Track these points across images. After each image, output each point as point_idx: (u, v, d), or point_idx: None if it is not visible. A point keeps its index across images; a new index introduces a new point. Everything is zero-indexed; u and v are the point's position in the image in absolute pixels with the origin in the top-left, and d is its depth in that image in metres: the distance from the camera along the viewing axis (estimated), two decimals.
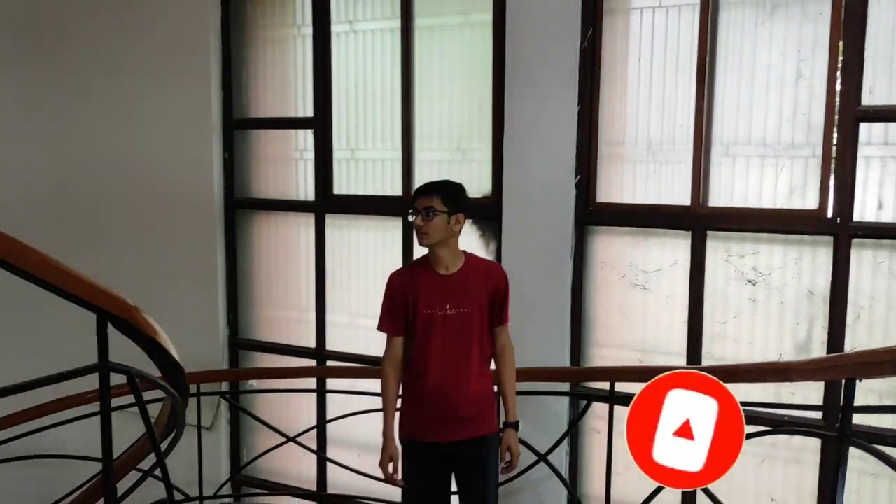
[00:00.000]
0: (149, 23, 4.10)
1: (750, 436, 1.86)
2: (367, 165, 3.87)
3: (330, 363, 3.98)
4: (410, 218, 2.67)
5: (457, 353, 2.69)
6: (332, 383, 3.93)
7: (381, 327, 2.79)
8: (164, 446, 2.07)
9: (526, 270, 3.29)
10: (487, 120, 3.49)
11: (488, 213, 3.49)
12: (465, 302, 2.67)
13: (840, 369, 1.99)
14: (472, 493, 2.78)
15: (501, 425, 2.76)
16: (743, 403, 1.82)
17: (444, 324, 2.68)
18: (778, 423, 2.96)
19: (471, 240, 3.56)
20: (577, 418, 3.25)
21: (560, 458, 3.32)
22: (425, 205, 2.62)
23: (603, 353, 3.39)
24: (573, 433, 3.37)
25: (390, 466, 2.71)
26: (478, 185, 3.55)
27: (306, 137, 3.96)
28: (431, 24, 3.62)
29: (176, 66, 4.05)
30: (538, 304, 3.32)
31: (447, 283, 2.69)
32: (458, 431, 2.71)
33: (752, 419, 2.20)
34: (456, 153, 3.64)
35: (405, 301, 2.72)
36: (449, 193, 2.65)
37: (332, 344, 4.00)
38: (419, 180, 3.65)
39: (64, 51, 4.35)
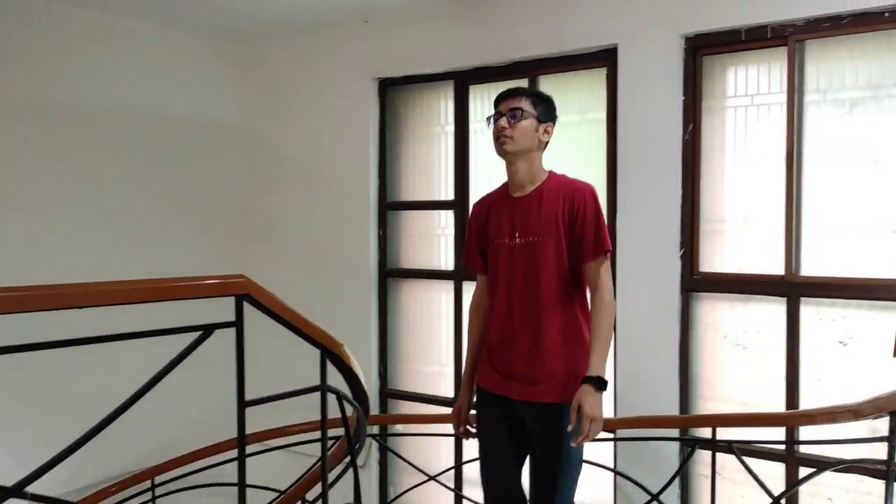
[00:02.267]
0: (326, 124, 5.02)
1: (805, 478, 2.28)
2: None
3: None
4: (491, 124, 2.38)
5: (527, 294, 2.31)
6: None
7: (464, 264, 2.62)
8: (346, 459, 2.73)
9: (639, 332, 3.80)
10: (603, 200, 4.07)
11: None
12: (535, 228, 2.30)
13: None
14: (534, 474, 2.37)
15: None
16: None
17: (512, 256, 2.34)
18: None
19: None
20: (684, 461, 3.66)
21: (673, 500, 3.73)
22: (512, 105, 2.35)
23: (709, 406, 3.80)
24: (683, 476, 3.78)
25: (460, 420, 2.54)
26: None
27: (447, 217, 4.68)
28: None
29: (345, 158, 4.92)
30: (650, 361, 3.80)
31: (519, 205, 2.38)
32: (524, 391, 2.35)
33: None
34: None
35: (480, 230, 2.49)
36: (540, 98, 2.41)
37: None
38: None
39: (271, 147, 5.35)
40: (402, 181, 4.90)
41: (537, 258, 2.29)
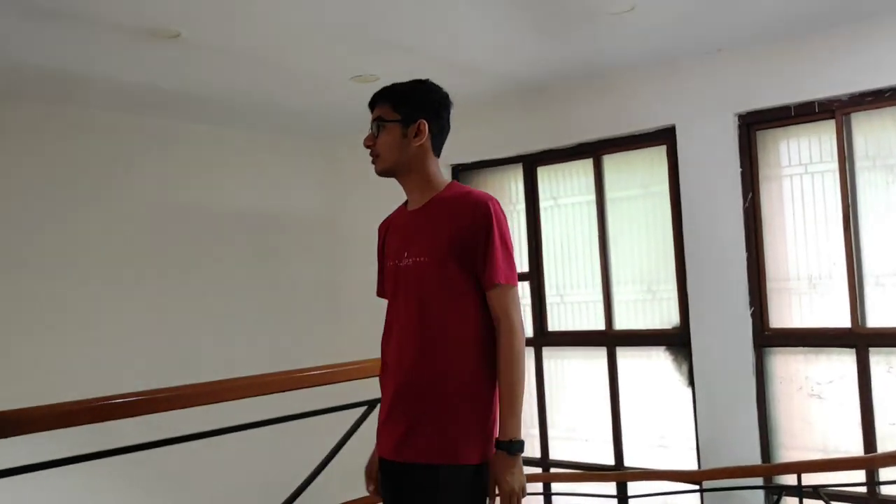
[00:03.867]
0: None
1: None
2: (574, 307, 4.87)
3: (553, 470, 4.84)
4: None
5: (409, 324, 1.88)
6: (555, 487, 4.78)
7: (377, 292, 2.13)
8: None
9: (717, 387, 4.08)
10: (671, 266, 4.40)
11: (679, 341, 4.33)
12: (421, 247, 1.88)
13: None
14: None
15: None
16: None
17: (397, 280, 1.93)
18: None
19: (664, 364, 4.40)
20: None
21: None
22: (374, 116, 1.96)
23: (789, 454, 4.03)
24: None
25: (368, 478, 2.06)
26: (668, 318, 4.43)
27: (524, 288, 5.04)
28: (619, 195, 4.66)
29: None
30: (730, 413, 4.06)
31: (410, 221, 1.98)
32: (398, 447, 1.86)
33: None
34: (647, 294, 4.56)
35: (380, 251, 2.10)
36: (401, 95, 1.94)
37: (553, 454, 4.88)
38: (618, 317, 4.61)
39: (354, 233, 5.81)
40: None
41: (425, 280, 1.85)
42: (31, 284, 4.24)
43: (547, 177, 4.95)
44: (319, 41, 3.73)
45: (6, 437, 1.64)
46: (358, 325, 5.68)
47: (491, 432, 1.86)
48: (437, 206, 1.92)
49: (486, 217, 1.84)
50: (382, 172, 1.99)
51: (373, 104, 2.00)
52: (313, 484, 2.39)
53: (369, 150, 1.98)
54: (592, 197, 4.72)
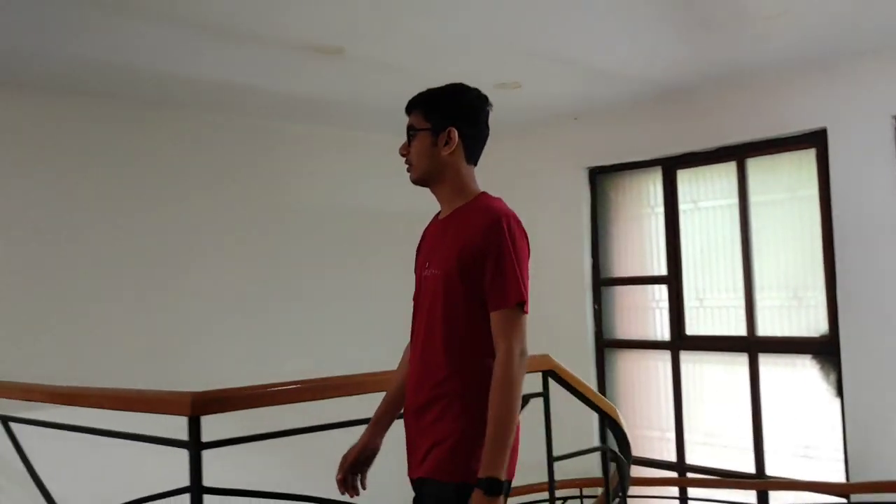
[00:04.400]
0: (541, 210, 5.58)
1: None
2: (714, 311, 4.82)
3: (690, 475, 4.82)
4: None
5: (418, 338, 1.86)
6: (692, 492, 4.75)
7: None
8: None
9: (869, 397, 3.95)
10: (819, 272, 4.28)
11: (827, 350, 4.21)
12: (437, 259, 1.84)
13: None
14: None
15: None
16: None
17: (422, 290, 1.91)
18: None
19: (810, 373, 4.29)
20: None
21: None
22: (408, 125, 1.91)
23: None
24: None
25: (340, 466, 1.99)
26: (815, 325, 4.31)
27: (661, 290, 5.04)
28: (764, 199, 4.57)
29: (559, 240, 5.44)
30: (883, 426, 3.91)
31: (438, 230, 1.93)
32: (413, 464, 1.85)
33: None
34: (793, 300, 4.45)
35: (416, 257, 2.04)
36: (432, 103, 1.89)
37: (690, 458, 4.85)
38: (761, 323, 4.53)
39: None
40: (615, 259, 5.34)
41: (435, 294, 1.81)
42: (191, 278, 4.64)
43: (687, 180, 4.92)
44: (465, 51, 3.91)
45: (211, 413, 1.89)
46: None
47: (477, 452, 1.70)
48: (458, 217, 1.85)
49: (497, 235, 1.74)
50: (416, 181, 1.93)
51: (408, 112, 1.94)
52: None
53: (404, 159, 1.93)
54: (735, 200, 4.65)
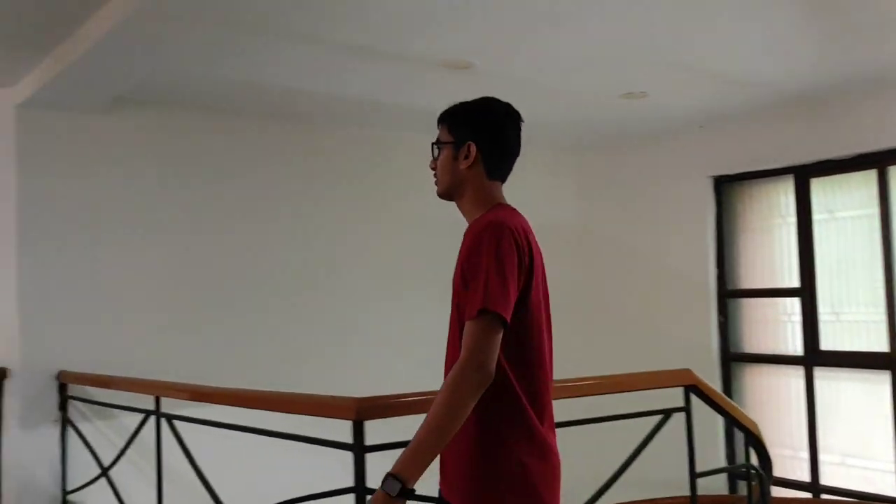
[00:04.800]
0: (664, 220, 5.51)
1: None
2: (852, 326, 4.61)
3: (824, 496, 4.62)
4: None
5: (446, 360, 1.82)
6: None
7: None
8: None
9: None
10: None
11: None
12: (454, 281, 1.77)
13: None
14: None
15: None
16: None
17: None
18: None
19: None
20: None
21: None
22: (435, 140, 1.92)
23: None
24: None
25: None
26: None
27: (793, 303, 4.86)
28: None
29: (682, 250, 5.35)
30: None
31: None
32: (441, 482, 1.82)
33: None
34: None
35: None
36: (455, 117, 1.88)
37: (824, 479, 4.65)
38: None
39: (608, 243, 5.99)
40: (741, 270, 5.19)
41: (451, 314, 1.79)
42: (330, 284, 4.87)
43: (822, 189, 4.73)
44: (592, 62, 3.92)
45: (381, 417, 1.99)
46: (610, 335, 5.81)
47: (480, 477, 1.67)
48: (467, 233, 1.78)
49: (475, 246, 1.67)
50: (440, 195, 1.92)
51: (438, 125, 1.93)
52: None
53: (433, 173, 1.92)
54: (875, 210, 4.44)
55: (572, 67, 3.96)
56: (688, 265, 5.32)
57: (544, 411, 1.72)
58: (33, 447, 3.94)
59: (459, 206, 1.89)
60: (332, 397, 2.06)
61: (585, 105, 4.70)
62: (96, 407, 3.98)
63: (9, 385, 3.93)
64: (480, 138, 1.83)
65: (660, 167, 5.52)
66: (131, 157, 4.28)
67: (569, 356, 5.54)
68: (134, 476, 3.73)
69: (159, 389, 3.12)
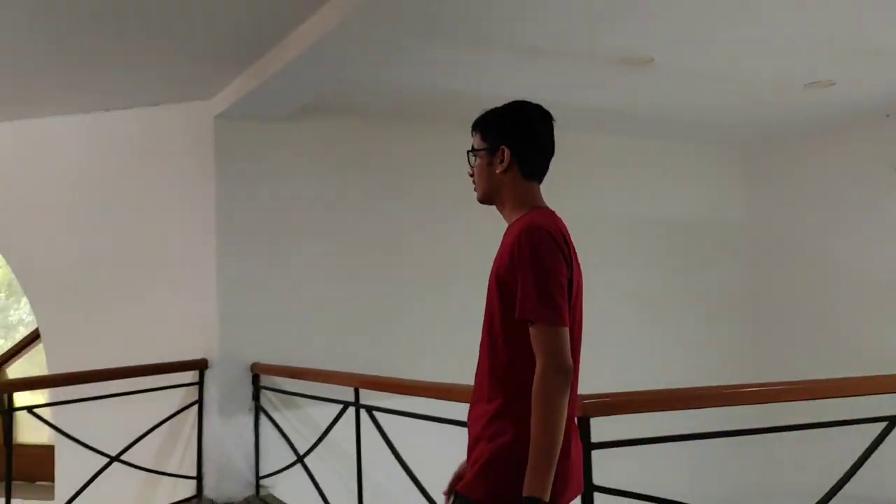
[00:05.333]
0: (842, 215, 5.20)
1: None
2: None
3: None
4: None
5: (479, 363, 1.85)
6: None
7: None
8: None
9: None
10: None
11: None
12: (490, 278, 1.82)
13: None
14: None
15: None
16: None
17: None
18: None
19: None
20: None
21: None
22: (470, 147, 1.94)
23: None
24: None
25: None
26: None
27: None
28: None
29: (866, 246, 5.03)
30: None
31: None
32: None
33: None
34: None
35: None
36: (487, 123, 1.90)
37: None
38: None
39: (780, 241, 5.74)
40: None
41: (484, 316, 1.83)
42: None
43: None
44: (777, 52, 3.76)
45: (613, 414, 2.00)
46: (780, 336, 5.56)
47: (503, 472, 1.67)
48: (505, 236, 1.82)
49: (520, 248, 1.68)
50: (480, 201, 1.94)
51: (472, 133, 1.95)
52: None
53: (472, 179, 1.95)
54: None
55: (756, 58, 3.83)
56: (873, 264, 5.00)
57: (572, 405, 1.72)
58: (230, 433, 4.23)
59: (500, 210, 1.90)
60: None
61: (765, 97, 4.51)
62: (284, 397, 4.23)
63: (209, 375, 4.25)
64: (513, 142, 1.84)
65: (841, 159, 5.22)
66: (314, 163, 4.52)
67: (730, 356, 5.41)
68: (321, 464, 3.93)
69: (359, 381, 3.27)
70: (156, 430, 4.09)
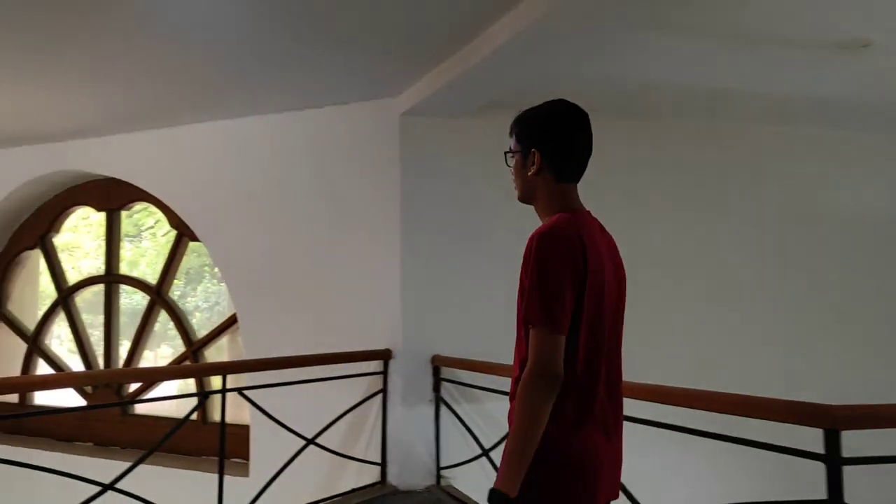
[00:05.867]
0: None
1: None
2: None
3: None
4: None
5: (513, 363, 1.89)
6: None
7: None
8: None
9: None
10: None
11: None
12: None
13: None
14: None
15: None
16: None
17: None
18: None
19: None
20: None
21: None
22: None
23: None
24: None
25: None
26: None
27: None
28: None
29: None
30: None
31: None
32: None
33: None
34: None
35: None
36: (519, 125, 1.93)
37: None
38: None
39: None
40: None
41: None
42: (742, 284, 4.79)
43: None
44: None
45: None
46: None
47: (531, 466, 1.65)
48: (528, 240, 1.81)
49: (529, 253, 1.72)
50: (519, 200, 1.96)
51: (509, 134, 1.97)
52: None
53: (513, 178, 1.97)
54: None
55: None
56: None
57: (590, 408, 1.71)
58: (412, 423, 4.33)
59: (536, 211, 1.92)
60: (808, 403, 1.95)
61: None
62: (464, 389, 4.28)
63: (393, 365, 4.37)
64: (543, 145, 1.85)
65: None
66: (497, 158, 4.52)
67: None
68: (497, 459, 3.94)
69: None
70: (341, 416, 4.26)
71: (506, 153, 1.97)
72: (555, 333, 1.65)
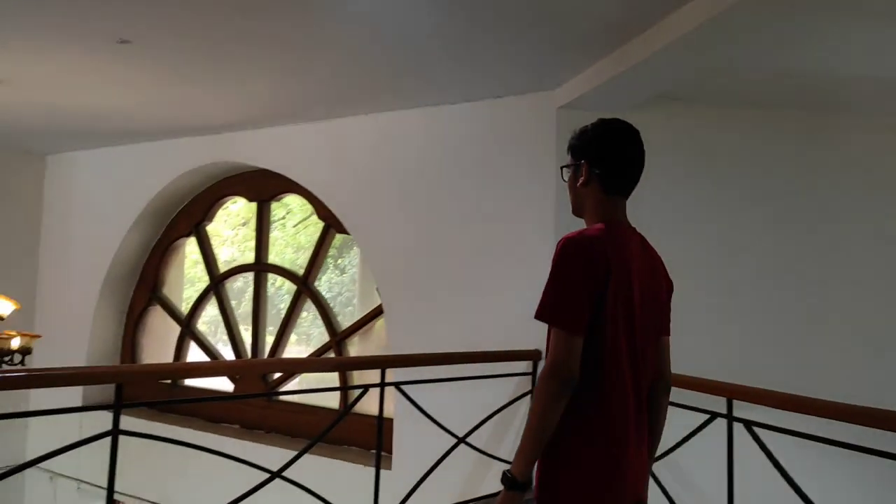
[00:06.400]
0: None
1: None
2: None
3: None
4: None
5: None
6: None
7: None
8: None
9: None
10: None
11: None
12: None
13: None
14: None
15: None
16: None
17: None
18: None
19: None
20: None
21: None
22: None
23: None
24: None
25: None
26: None
27: None
28: None
29: None
30: None
31: None
32: None
33: None
34: None
35: None
36: (572, 140, 2.05)
37: None
38: None
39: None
40: None
41: None
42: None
43: None
44: None
45: None
46: None
47: (553, 467, 1.81)
48: None
49: (554, 257, 1.82)
50: (573, 213, 2.08)
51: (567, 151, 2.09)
52: None
53: None
54: None
55: None
56: None
57: (615, 418, 1.78)
58: None
59: (585, 223, 2.01)
60: None
61: None
62: None
63: (541, 366, 4.23)
64: (592, 158, 1.96)
65: None
66: (661, 153, 4.31)
67: None
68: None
69: (735, 393, 3.01)
70: (491, 416, 4.17)
71: (561, 167, 2.08)
72: (572, 334, 1.72)
